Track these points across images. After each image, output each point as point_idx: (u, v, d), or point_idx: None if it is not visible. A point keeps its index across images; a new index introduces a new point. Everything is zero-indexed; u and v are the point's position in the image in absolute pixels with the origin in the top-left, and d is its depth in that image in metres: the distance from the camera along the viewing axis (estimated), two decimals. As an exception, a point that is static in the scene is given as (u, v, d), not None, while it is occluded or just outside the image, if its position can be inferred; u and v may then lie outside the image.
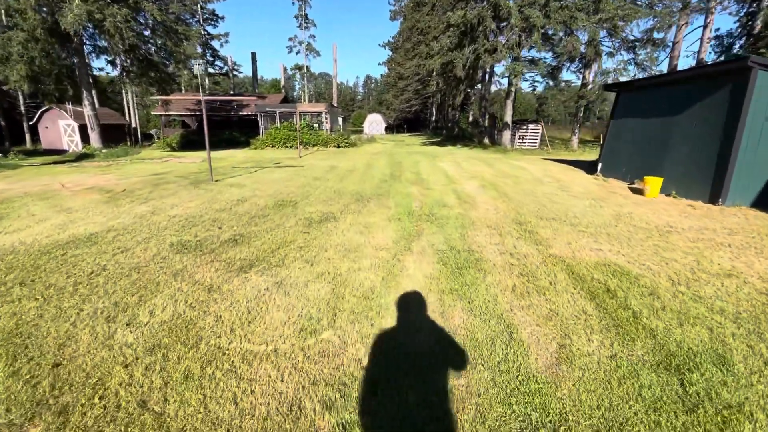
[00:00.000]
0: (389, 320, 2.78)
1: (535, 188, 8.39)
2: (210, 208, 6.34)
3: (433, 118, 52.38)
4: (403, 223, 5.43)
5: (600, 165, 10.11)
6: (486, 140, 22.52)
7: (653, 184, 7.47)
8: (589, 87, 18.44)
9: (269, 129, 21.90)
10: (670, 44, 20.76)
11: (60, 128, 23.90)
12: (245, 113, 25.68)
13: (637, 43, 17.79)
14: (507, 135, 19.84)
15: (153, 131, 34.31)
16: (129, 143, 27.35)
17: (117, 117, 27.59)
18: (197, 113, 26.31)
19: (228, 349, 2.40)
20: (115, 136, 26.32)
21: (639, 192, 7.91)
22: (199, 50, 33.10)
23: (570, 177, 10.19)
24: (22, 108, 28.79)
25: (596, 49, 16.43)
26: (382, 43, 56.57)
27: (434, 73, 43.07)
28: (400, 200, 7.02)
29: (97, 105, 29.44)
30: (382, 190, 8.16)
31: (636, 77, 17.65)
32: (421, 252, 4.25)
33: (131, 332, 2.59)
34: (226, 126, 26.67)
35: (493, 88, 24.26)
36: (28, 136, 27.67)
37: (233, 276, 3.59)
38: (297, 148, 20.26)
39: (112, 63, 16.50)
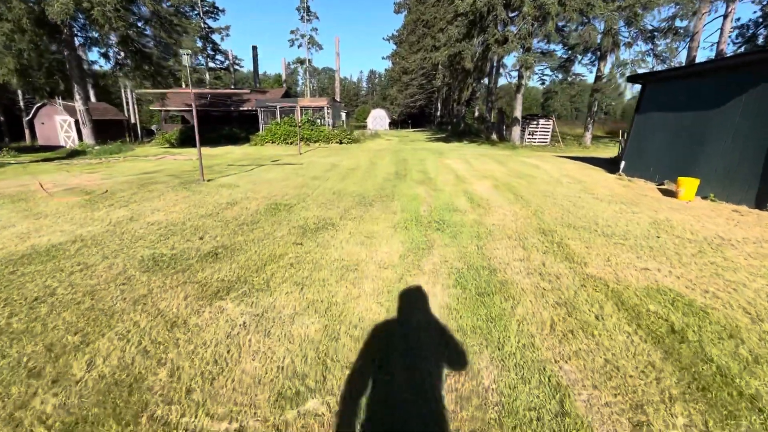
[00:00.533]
0: (397, 377, 2.13)
1: (554, 189, 7.68)
2: (195, 213, 5.71)
3: (438, 113, 51.45)
4: (411, 233, 4.77)
5: (623, 164, 9.36)
6: (494, 136, 21.72)
7: (688, 185, 6.73)
8: (605, 80, 17.54)
9: (269, 125, 21.26)
10: (690, 34, 19.75)
11: (56, 124, 23.46)
12: (245, 108, 25.05)
13: (656, 33, 16.87)
14: (516, 131, 19.02)
15: (154, 127, 33.82)
16: (129, 139, 26.87)
17: (115, 112, 27.07)
18: (196, 108, 25.67)
19: (176, 429, 1.76)
20: (114, 132, 25.83)
21: (670, 194, 7.17)
22: (200, 44, 32.46)
23: (590, 176, 9.45)
24: (22, 104, 28.42)
25: (614, 39, 15.55)
26: (386, 37, 55.50)
27: (440, 67, 42.16)
28: (406, 203, 6.35)
29: (94, 100, 29.02)
30: (386, 191, 7.50)
31: (654, 69, 16.75)
32: (434, 271, 3.59)
33: (54, 396, 1.96)
34: (226, 122, 26.06)
35: (502, 82, 23.40)
36: (27, 132, 27.27)
37: (205, 304, 2.95)
38: (297, 144, 19.63)
39: (105, 56, 15.90)
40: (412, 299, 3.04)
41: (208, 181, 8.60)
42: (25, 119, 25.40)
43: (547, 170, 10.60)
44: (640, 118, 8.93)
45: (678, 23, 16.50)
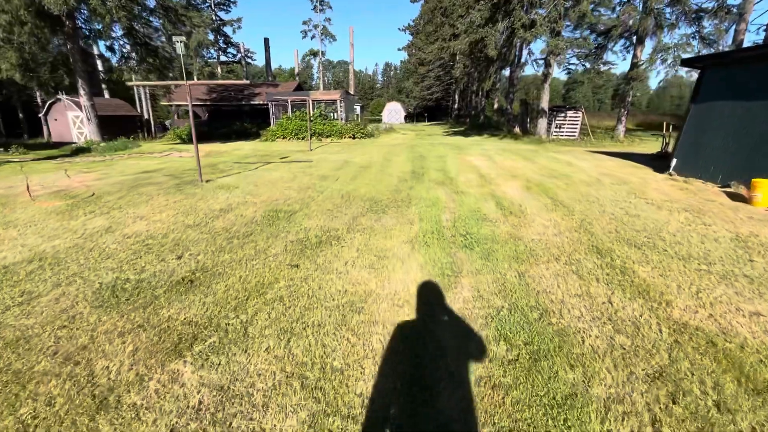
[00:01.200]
0: None
1: (597, 192, 6.65)
2: (181, 222, 5.00)
3: (456, 105, 50.00)
4: (432, 251, 3.91)
5: (674, 161, 8.19)
6: (516, 129, 20.45)
7: (767, 189, 5.61)
8: (643, 66, 16.04)
9: (280, 119, 20.61)
10: (739, 14, 17.92)
11: (69, 120, 23.46)
12: (257, 102, 24.51)
13: (702, 14, 15.26)
14: (542, 123, 17.73)
15: (168, 122, 33.79)
16: (142, 135, 26.83)
17: (128, 108, 26.97)
18: (207, 103, 25.34)
19: None
20: (127, 128, 25.72)
21: (741, 199, 6.05)
22: (211, 37, 32.06)
23: (635, 176, 8.32)
24: (39, 100, 28.72)
25: (657, 20, 14.09)
26: (402, 27, 54.06)
27: (458, 56, 40.72)
28: (425, 210, 5.48)
29: (107, 96, 29.07)
30: (401, 194, 6.65)
31: (700, 54, 15.17)
32: (466, 314, 2.72)
33: None
34: (237, 116, 25.61)
35: (527, 72, 22.02)
36: (45, 129, 27.56)
37: (156, 366, 2.19)
38: (308, 140, 18.93)
39: (111, 48, 15.49)
40: (438, 369, 2.19)
41: (207, 182, 7.92)
42: (41, 115, 25.52)
43: (584, 168, 9.50)
44: (697, 109, 7.73)
45: (730, 0, 14.85)
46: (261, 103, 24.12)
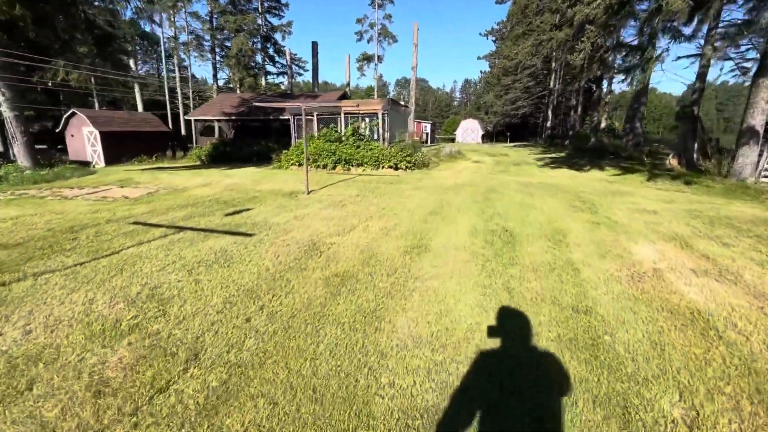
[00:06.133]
0: None
1: None
2: None
3: (548, 123, 41.47)
4: None
5: None
6: (673, 161, 12.51)
7: None
8: None
9: (300, 139, 15.56)
10: None
11: (84, 136, 21.50)
12: (286, 117, 20.04)
13: None
14: (748, 154, 9.73)
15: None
16: (172, 154, 24.36)
17: (156, 123, 24.67)
18: (232, 117, 21.63)
19: None
20: (153, 145, 23.32)
21: None
22: (259, 45, 29.25)
23: None
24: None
25: None
26: (483, 33, 47.76)
27: (554, 64, 32.84)
28: None
29: (141, 108, 27.51)
30: None
31: None
32: None
33: None
34: (266, 134, 21.53)
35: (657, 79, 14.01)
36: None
37: None
38: (333, 168, 13.41)
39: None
40: None
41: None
42: (56, 131, 24.10)
43: None
44: None
45: None
46: (288, 117, 19.56)
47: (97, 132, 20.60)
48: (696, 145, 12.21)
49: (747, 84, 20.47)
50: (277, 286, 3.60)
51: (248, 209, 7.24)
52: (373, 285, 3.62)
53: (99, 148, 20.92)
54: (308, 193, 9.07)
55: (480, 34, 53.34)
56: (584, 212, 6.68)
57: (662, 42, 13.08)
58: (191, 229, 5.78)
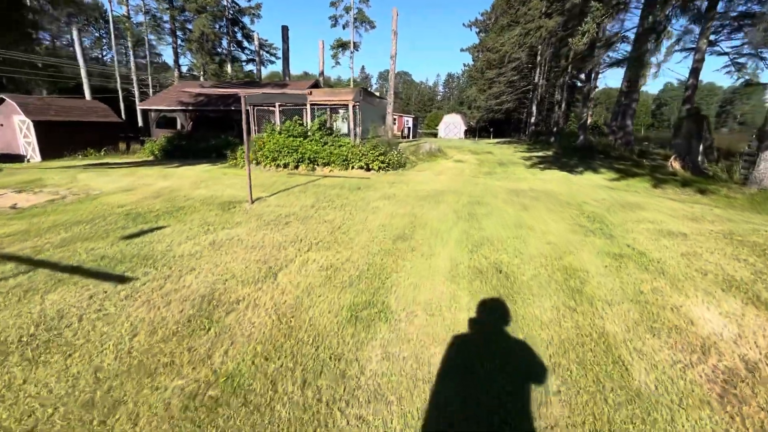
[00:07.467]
0: None
1: None
2: None
3: (532, 119, 40.48)
4: None
5: None
6: (675, 164, 11.30)
7: None
8: None
9: (260, 134, 13.67)
10: None
11: (15, 126, 18.85)
12: (248, 108, 17.95)
13: None
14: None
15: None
16: (125, 148, 21.91)
17: (105, 113, 22.02)
18: (189, 108, 19.39)
19: None
20: (99, 137, 20.83)
21: None
22: (225, 29, 26.79)
23: None
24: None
25: None
26: (466, 23, 46.27)
27: (539, 57, 31.61)
28: None
29: (89, 96, 24.76)
30: None
31: None
32: None
33: None
34: (227, 126, 19.36)
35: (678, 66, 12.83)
36: None
37: None
38: (295, 168, 11.64)
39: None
40: None
41: None
42: None
43: None
44: None
45: None
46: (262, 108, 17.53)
47: (29, 122, 17.99)
48: (701, 147, 11.00)
49: (740, 81, 19.63)
50: None
51: (160, 227, 5.46)
52: (271, 416, 1.97)
53: (33, 140, 18.34)
54: (252, 202, 7.29)
55: (463, 24, 51.64)
56: (597, 236, 5.19)
57: (676, 25, 11.79)
58: (50, 265, 3.98)
